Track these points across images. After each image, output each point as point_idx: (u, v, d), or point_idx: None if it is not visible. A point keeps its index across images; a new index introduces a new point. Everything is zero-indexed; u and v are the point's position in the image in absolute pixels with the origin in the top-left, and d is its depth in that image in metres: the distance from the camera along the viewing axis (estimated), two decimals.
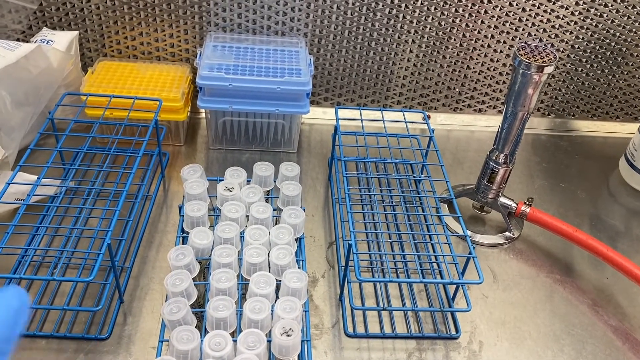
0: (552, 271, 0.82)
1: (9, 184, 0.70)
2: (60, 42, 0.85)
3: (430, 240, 0.83)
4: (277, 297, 0.63)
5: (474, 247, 0.69)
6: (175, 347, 0.56)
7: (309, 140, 1.02)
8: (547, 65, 0.72)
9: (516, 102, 0.76)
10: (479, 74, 1.06)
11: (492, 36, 1.01)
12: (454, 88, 1.07)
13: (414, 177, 0.91)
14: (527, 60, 0.72)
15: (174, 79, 0.94)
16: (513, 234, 0.87)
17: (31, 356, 0.65)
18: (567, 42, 1.03)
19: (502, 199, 0.86)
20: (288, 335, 0.56)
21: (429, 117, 1.06)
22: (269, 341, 0.60)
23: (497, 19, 0.99)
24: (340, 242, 0.82)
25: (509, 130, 0.79)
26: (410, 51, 1.02)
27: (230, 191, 0.71)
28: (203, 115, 1.02)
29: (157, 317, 0.70)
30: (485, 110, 1.11)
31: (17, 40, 0.95)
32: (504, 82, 1.07)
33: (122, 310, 0.70)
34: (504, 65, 1.05)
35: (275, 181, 0.77)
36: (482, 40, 1.02)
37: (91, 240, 0.76)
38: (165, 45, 1.00)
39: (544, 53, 0.73)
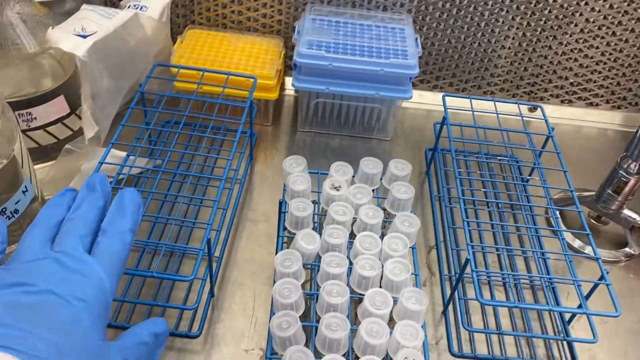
0: None
1: (102, 163, 0.66)
2: (154, 8, 0.78)
3: (543, 256, 0.75)
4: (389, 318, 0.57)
5: (607, 272, 0.61)
6: None
7: (402, 126, 0.94)
8: None
9: None
10: (597, 64, 0.95)
11: (620, 23, 0.90)
12: (566, 77, 0.97)
13: (539, 182, 0.82)
14: None
15: (267, 53, 0.87)
16: (634, 251, 0.78)
17: None
18: None
19: (626, 211, 0.77)
20: None
21: (535, 109, 0.97)
22: None
23: (628, 4, 0.88)
24: (442, 246, 0.75)
25: None
26: (524, 35, 0.92)
27: (338, 190, 0.64)
28: (290, 92, 0.96)
29: (249, 315, 0.66)
30: (598, 104, 1.00)
31: (106, 1, 0.90)
32: (623, 75, 0.96)
33: (212, 306, 0.66)
34: (628, 55, 0.93)
35: (381, 179, 0.70)
36: (607, 27, 0.91)
37: (182, 229, 0.72)
38: (258, 15, 0.92)
39: None
